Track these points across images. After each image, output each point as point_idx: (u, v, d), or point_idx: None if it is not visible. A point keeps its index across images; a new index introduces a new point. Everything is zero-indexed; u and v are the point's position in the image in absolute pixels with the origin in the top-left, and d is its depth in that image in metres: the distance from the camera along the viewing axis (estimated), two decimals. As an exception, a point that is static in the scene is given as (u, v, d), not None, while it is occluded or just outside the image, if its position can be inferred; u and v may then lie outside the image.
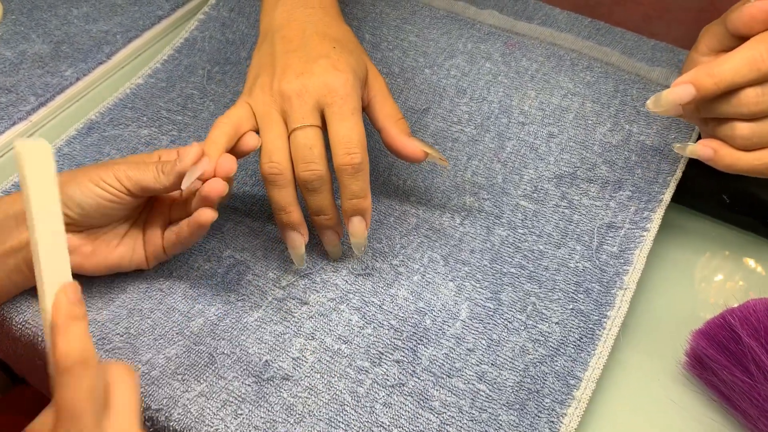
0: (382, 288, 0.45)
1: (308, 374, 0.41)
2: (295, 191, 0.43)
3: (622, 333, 0.43)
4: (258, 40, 0.48)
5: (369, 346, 0.43)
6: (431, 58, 0.58)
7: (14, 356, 0.49)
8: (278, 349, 0.42)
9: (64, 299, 0.32)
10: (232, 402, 0.40)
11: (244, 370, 0.41)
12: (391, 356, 0.42)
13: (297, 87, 0.42)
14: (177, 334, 0.43)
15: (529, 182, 0.50)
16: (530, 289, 0.45)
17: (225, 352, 0.42)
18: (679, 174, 0.49)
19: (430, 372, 0.41)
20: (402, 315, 0.44)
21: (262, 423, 0.39)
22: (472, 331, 0.43)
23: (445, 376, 0.41)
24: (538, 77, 0.56)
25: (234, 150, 0.43)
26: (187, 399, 0.40)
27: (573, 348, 0.42)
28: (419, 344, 0.43)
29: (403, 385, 0.41)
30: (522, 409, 0.40)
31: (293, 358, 0.42)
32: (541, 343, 0.42)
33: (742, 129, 0.39)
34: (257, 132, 0.43)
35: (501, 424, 0.39)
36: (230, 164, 0.41)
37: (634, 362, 0.44)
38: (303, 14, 0.47)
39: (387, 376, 0.41)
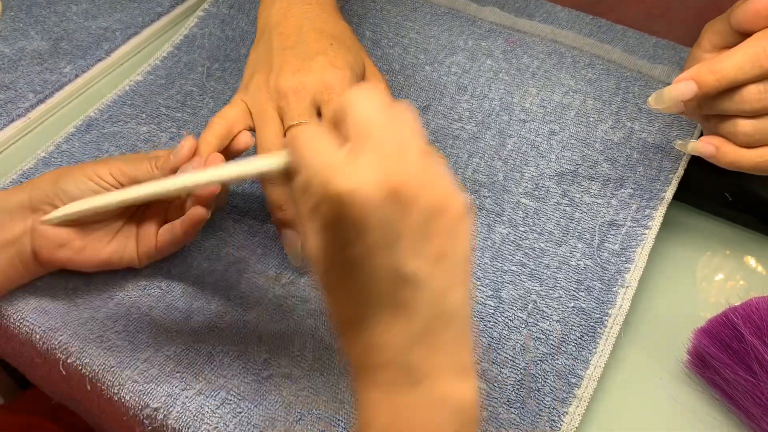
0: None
1: (308, 372, 0.41)
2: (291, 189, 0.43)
3: (624, 331, 0.43)
4: (255, 36, 0.48)
5: (369, 344, 0.42)
6: (432, 55, 0.58)
7: (12, 353, 0.49)
8: (278, 346, 0.42)
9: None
10: (231, 400, 0.40)
11: (243, 367, 0.41)
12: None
13: (294, 84, 0.42)
14: (176, 331, 0.43)
15: (530, 180, 0.50)
16: (531, 287, 0.45)
17: (224, 349, 0.42)
18: (680, 171, 0.49)
19: (430, 370, 0.41)
20: (402, 313, 0.44)
21: (262, 421, 0.39)
22: (472, 330, 0.43)
23: (445, 375, 0.41)
24: (540, 74, 0.56)
25: (227, 149, 0.43)
26: (186, 397, 0.40)
27: (574, 346, 0.42)
28: (419, 342, 0.42)
29: (404, 384, 0.41)
30: (522, 408, 0.40)
31: (293, 356, 0.42)
32: (542, 341, 0.42)
33: (745, 126, 0.39)
34: (253, 130, 0.43)
35: (501, 423, 0.39)
36: (219, 163, 0.41)
37: (636, 360, 0.43)
38: (300, 11, 0.46)
39: (387, 374, 0.41)
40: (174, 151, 0.41)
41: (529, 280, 0.45)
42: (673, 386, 0.42)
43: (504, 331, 0.43)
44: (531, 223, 0.48)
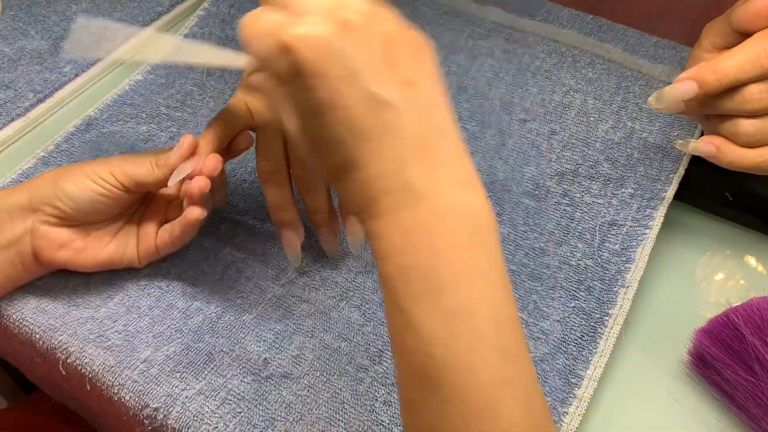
0: (382, 286, 0.45)
1: (308, 372, 0.41)
2: (291, 190, 0.43)
3: (624, 331, 0.43)
4: None
5: (369, 344, 0.42)
6: (432, 54, 0.57)
7: (12, 353, 0.48)
8: (277, 347, 0.42)
9: None
10: (231, 400, 0.40)
11: (243, 367, 0.41)
12: (391, 354, 0.42)
13: None
14: (176, 331, 0.43)
15: (530, 179, 0.50)
16: (531, 286, 0.45)
17: (224, 349, 0.42)
18: (681, 171, 0.49)
19: (430, 370, 0.41)
20: (402, 313, 0.44)
21: (261, 421, 0.39)
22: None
23: (445, 375, 0.41)
24: (540, 74, 0.55)
25: (227, 149, 0.43)
26: (186, 397, 0.40)
27: (574, 346, 0.42)
28: (420, 342, 0.42)
29: (404, 384, 0.41)
30: (523, 408, 0.39)
31: (293, 356, 0.42)
32: (543, 341, 0.42)
33: (745, 126, 0.39)
34: (254, 129, 0.43)
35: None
36: (215, 163, 0.40)
37: (636, 360, 0.43)
38: None
39: (387, 374, 0.41)
40: (174, 149, 0.40)
41: (529, 279, 0.45)
42: (674, 386, 0.42)
43: (504, 331, 0.43)
44: (531, 223, 0.48)
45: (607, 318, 0.43)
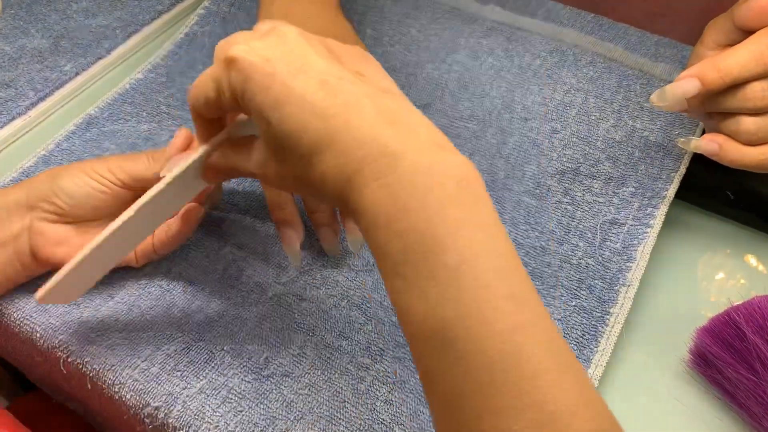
0: (383, 284, 0.45)
1: (308, 371, 0.41)
2: None
3: (625, 330, 0.43)
4: None
5: (370, 343, 0.42)
6: (433, 53, 0.57)
7: (13, 352, 0.48)
8: (278, 345, 0.42)
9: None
10: (231, 399, 0.40)
11: (243, 366, 0.41)
12: (392, 353, 0.42)
13: None
14: (176, 330, 0.43)
15: (531, 178, 0.50)
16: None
17: (225, 348, 0.42)
18: (682, 170, 0.49)
19: (431, 369, 0.41)
20: (403, 311, 0.44)
21: (262, 420, 0.39)
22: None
23: (446, 373, 0.41)
24: (541, 73, 0.55)
25: None
26: (187, 396, 0.40)
27: (575, 345, 0.42)
28: (421, 341, 0.42)
29: (405, 382, 0.41)
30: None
31: (293, 355, 0.42)
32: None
33: (748, 123, 0.39)
34: None
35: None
36: None
37: (637, 360, 0.43)
38: (301, 9, 0.46)
39: (388, 372, 0.41)
40: (170, 144, 0.40)
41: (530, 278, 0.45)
42: (675, 385, 0.42)
43: (505, 330, 0.43)
44: (532, 222, 0.48)
45: (608, 317, 0.43)
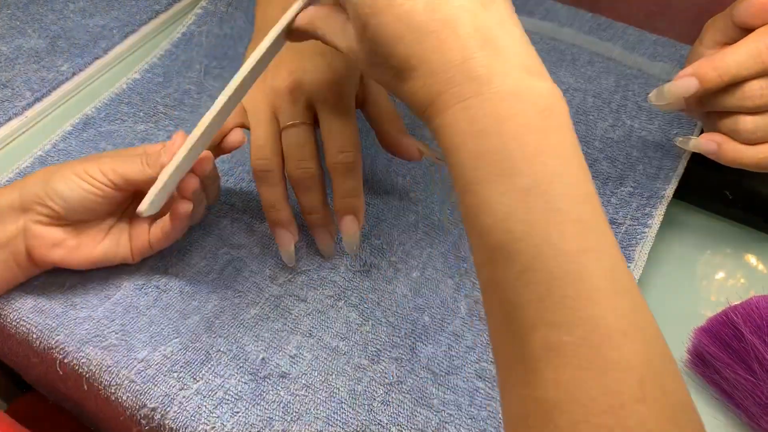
0: (380, 285, 0.45)
1: (306, 372, 0.41)
2: (286, 188, 0.43)
3: (624, 330, 0.43)
4: (252, 35, 0.47)
5: (367, 344, 0.42)
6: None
7: (9, 353, 0.48)
8: (275, 346, 0.42)
9: None
10: (228, 400, 0.40)
11: (240, 367, 0.41)
12: (389, 353, 0.42)
13: (289, 84, 0.42)
14: (173, 331, 0.42)
15: (529, 178, 0.50)
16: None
17: (221, 349, 0.42)
18: (681, 170, 0.49)
19: (428, 370, 0.41)
20: (400, 312, 0.43)
21: (259, 421, 0.39)
22: (472, 329, 0.43)
23: (443, 374, 0.41)
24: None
25: (219, 147, 0.43)
26: (184, 397, 0.40)
27: (574, 345, 0.42)
28: (418, 341, 0.42)
29: (402, 383, 0.40)
30: (522, 407, 0.39)
31: (290, 356, 0.42)
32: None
33: (746, 122, 0.39)
34: (248, 128, 0.43)
35: (501, 422, 0.39)
36: (205, 162, 0.40)
37: (636, 360, 0.43)
38: None
39: (385, 373, 0.41)
40: (165, 148, 0.40)
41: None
42: (674, 385, 0.42)
43: (503, 330, 0.42)
44: (530, 222, 0.47)
45: (606, 317, 0.43)
